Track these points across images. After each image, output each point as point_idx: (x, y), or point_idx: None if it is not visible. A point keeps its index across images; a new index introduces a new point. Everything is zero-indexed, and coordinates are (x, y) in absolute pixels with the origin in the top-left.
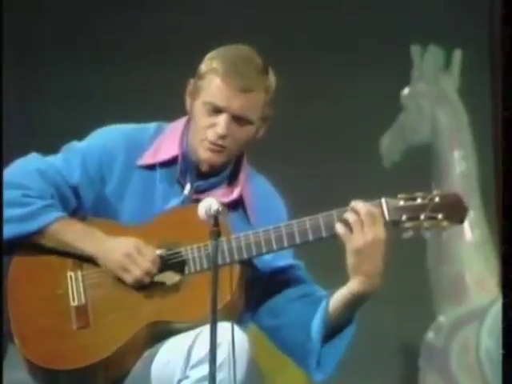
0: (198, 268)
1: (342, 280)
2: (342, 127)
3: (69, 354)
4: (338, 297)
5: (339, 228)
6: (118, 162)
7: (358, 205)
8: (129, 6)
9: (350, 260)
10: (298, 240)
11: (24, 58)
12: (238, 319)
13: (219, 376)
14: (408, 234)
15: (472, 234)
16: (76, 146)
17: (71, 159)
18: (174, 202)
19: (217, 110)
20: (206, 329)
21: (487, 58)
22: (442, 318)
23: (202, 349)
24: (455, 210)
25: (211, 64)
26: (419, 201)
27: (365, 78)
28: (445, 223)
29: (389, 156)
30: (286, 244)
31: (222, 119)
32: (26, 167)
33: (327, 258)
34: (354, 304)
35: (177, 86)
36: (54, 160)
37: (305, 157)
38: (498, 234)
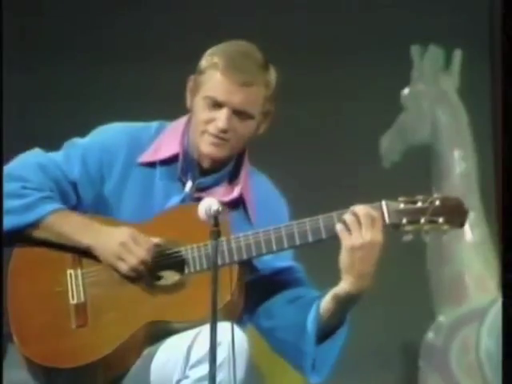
0: (198, 268)
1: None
2: (342, 127)
3: (68, 352)
4: (329, 297)
5: (338, 227)
6: (119, 159)
7: (358, 207)
8: (129, 6)
9: (344, 258)
10: (297, 241)
11: (24, 57)
12: (238, 319)
13: (219, 376)
14: (408, 238)
15: (472, 235)
16: (77, 142)
17: (72, 155)
18: (175, 200)
19: (217, 105)
20: (206, 328)
21: (487, 58)
22: (441, 318)
23: (201, 348)
24: (456, 214)
25: (211, 59)
26: (420, 204)
27: (365, 78)
28: (445, 227)
29: (389, 156)
30: (285, 245)
31: (223, 114)
32: (27, 161)
33: (327, 260)
34: (345, 304)
35: (178, 85)
36: (55, 155)
37: (305, 157)
38: (498, 234)
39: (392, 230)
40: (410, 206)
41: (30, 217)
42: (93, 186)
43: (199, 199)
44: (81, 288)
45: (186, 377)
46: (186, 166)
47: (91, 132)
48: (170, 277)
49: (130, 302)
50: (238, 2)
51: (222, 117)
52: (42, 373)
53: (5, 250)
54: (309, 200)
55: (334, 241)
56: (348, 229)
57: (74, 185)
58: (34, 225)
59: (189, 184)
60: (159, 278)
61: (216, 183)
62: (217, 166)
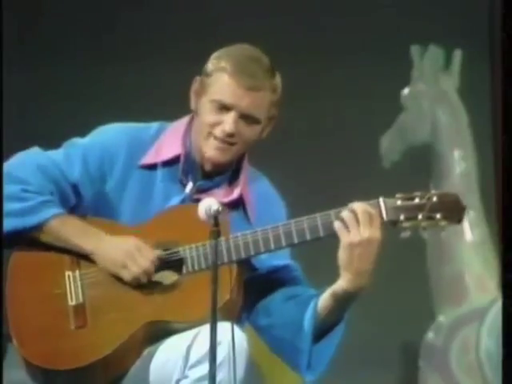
0: (196, 267)
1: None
2: (342, 127)
3: (67, 353)
4: (327, 295)
5: (336, 224)
6: (119, 160)
7: (356, 204)
8: (129, 6)
9: (343, 255)
10: (295, 239)
11: (24, 57)
12: (237, 318)
13: (219, 375)
14: (406, 234)
15: (472, 234)
16: (78, 142)
17: (72, 155)
18: (175, 201)
19: (224, 108)
20: (205, 328)
21: (487, 58)
22: (441, 318)
23: (201, 348)
24: (453, 210)
25: (218, 63)
26: (417, 200)
27: (365, 78)
28: (443, 223)
29: (389, 156)
30: (283, 243)
31: (230, 117)
32: (27, 162)
33: (325, 258)
34: (343, 302)
35: (178, 85)
36: (55, 155)
37: (305, 157)
38: (498, 234)
39: (390, 226)
40: (408, 203)
41: (31, 221)
42: (93, 185)
43: (199, 201)
44: (79, 289)
45: (186, 377)
46: (188, 168)
47: (91, 132)
48: (168, 277)
49: (128, 303)
50: (237, 3)
51: (229, 120)
52: (42, 374)
53: (4, 253)
54: (309, 200)
55: (331, 239)
56: (346, 226)
57: (74, 185)
58: (36, 229)
59: (189, 185)
60: (158, 278)
61: (216, 185)
62: (218, 169)
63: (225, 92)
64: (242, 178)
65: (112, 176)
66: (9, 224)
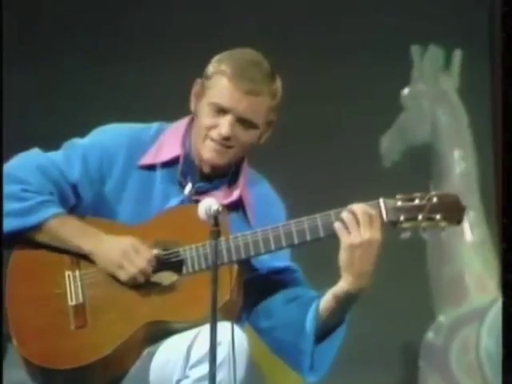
0: (196, 268)
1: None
2: (342, 127)
3: (67, 353)
4: (328, 297)
5: (337, 225)
6: (119, 160)
7: (356, 205)
8: (130, 6)
9: (343, 257)
10: (295, 240)
11: (24, 57)
12: (237, 319)
13: (219, 375)
14: (406, 235)
15: (472, 234)
16: (77, 142)
17: (72, 156)
18: (174, 202)
19: (222, 111)
20: (205, 328)
21: (487, 58)
22: (441, 318)
23: (201, 348)
24: (453, 211)
25: (219, 66)
26: (417, 201)
27: (365, 78)
28: (443, 224)
29: (389, 156)
30: (284, 244)
31: (227, 120)
32: (27, 162)
33: (325, 260)
34: (344, 303)
35: (178, 85)
36: (55, 156)
37: (305, 157)
38: (498, 234)
39: (390, 227)
40: (408, 204)
41: (30, 220)
42: (93, 185)
43: (197, 202)
44: (79, 289)
45: (186, 376)
46: (187, 169)
47: (91, 132)
48: (168, 277)
49: (128, 303)
50: (238, 3)
51: (225, 123)
52: (41, 374)
53: (4, 253)
54: (309, 200)
55: (331, 239)
56: (346, 227)
57: (74, 185)
58: (35, 228)
59: (188, 187)
60: (158, 278)
61: (215, 188)
62: (217, 171)
63: (223, 95)
64: (242, 180)
65: (111, 176)
66: (9, 224)
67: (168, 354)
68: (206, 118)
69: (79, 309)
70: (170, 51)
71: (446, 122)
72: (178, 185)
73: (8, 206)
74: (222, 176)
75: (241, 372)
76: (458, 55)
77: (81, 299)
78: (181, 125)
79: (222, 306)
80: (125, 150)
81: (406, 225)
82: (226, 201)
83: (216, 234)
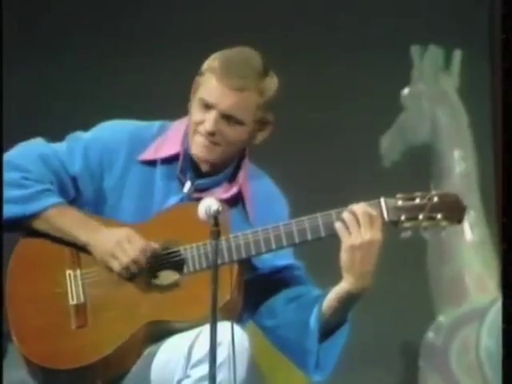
0: (197, 267)
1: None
2: (342, 127)
3: (68, 353)
4: (331, 296)
5: (338, 225)
6: (120, 156)
7: (356, 206)
8: (130, 4)
9: (345, 258)
10: (296, 239)
11: (24, 57)
12: (238, 318)
13: (220, 375)
14: (407, 234)
15: (472, 234)
16: (80, 136)
17: (74, 148)
18: (174, 200)
19: (207, 107)
20: (207, 328)
21: (487, 58)
22: (441, 318)
23: (202, 348)
24: (454, 210)
25: (211, 63)
26: (418, 201)
27: (365, 78)
28: (443, 223)
29: (389, 156)
30: (284, 243)
31: (211, 116)
32: (29, 150)
33: (327, 258)
34: (346, 303)
35: (179, 84)
36: (57, 147)
37: (305, 157)
38: (498, 234)
39: (391, 226)
40: (409, 203)
41: (30, 208)
42: (93, 180)
43: (198, 200)
44: (80, 289)
45: (188, 376)
46: (186, 167)
47: (94, 127)
48: (169, 276)
49: (129, 302)
50: (238, 3)
51: (209, 119)
52: (42, 374)
53: (4, 252)
54: (309, 200)
55: (333, 239)
56: (347, 228)
57: (74, 179)
58: (35, 216)
59: (187, 185)
60: (158, 277)
61: (215, 185)
62: (215, 168)
63: (210, 91)
64: (241, 175)
65: (112, 172)
66: (8, 210)
67: (169, 353)
68: (195, 113)
69: (80, 308)
70: (170, 50)
71: (446, 122)
72: (178, 182)
73: (8, 193)
74: (220, 173)
75: (241, 372)
76: (457, 55)
77: (82, 299)
78: (182, 123)
79: (223, 306)
80: (126, 147)
81: (406, 224)
82: (225, 195)
83: (216, 234)
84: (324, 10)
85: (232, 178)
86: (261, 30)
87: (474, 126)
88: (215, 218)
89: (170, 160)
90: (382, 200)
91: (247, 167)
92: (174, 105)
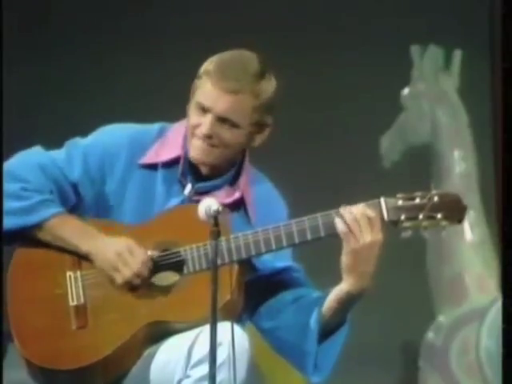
0: (197, 268)
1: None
2: (342, 127)
3: (68, 353)
4: (331, 297)
5: (338, 226)
6: (120, 160)
7: (356, 207)
8: (131, 6)
9: (346, 260)
10: (296, 239)
11: (24, 57)
12: (238, 319)
13: (220, 376)
14: (407, 234)
15: (472, 234)
16: (79, 142)
17: (73, 155)
18: (174, 202)
19: (204, 110)
20: (207, 328)
21: (487, 58)
22: (441, 318)
23: (202, 348)
24: (454, 210)
25: (208, 66)
26: (418, 200)
27: (365, 78)
28: (444, 223)
29: (389, 156)
30: (284, 244)
31: (207, 119)
32: (28, 160)
33: (326, 260)
34: (346, 304)
35: (179, 85)
36: (56, 154)
37: (305, 157)
38: (498, 234)
39: (391, 226)
40: (409, 203)
41: (31, 220)
42: (93, 185)
43: (198, 202)
44: (80, 290)
45: (188, 376)
46: (186, 170)
47: (92, 132)
48: (169, 277)
49: (129, 303)
50: (237, 3)
51: (205, 122)
52: (42, 374)
53: (5, 253)
54: (309, 200)
55: (331, 240)
56: (348, 231)
57: (75, 185)
58: (35, 227)
59: (188, 187)
60: (159, 278)
61: (216, 188)
62: (215, 171)
63: (206, 94)
64: (243, 179)
65: (113, 176)
66: (8, 222)
67: (169, 353)
68: (192, 116)
69: (80, 309)
70: (171, 51)
71: (446, 122)
72: (179, 185)
73: (8, 204)
74: (221, 175)
75: (241, 372)
76: (458, 55)
77: (82, 300)
78: (182, 125)
79: (223, 307)
80: (126, 150)
81: (406, 224)
82: (228, 200)
83: (216, 234)
84: (324, 10)
85: (233, 182)
86: (261, 31)
87: (474, 126)
88: (215, 217)
89: (170, 163)
90: (382, 200)
91: (248, 171)
92: (174, 105)
